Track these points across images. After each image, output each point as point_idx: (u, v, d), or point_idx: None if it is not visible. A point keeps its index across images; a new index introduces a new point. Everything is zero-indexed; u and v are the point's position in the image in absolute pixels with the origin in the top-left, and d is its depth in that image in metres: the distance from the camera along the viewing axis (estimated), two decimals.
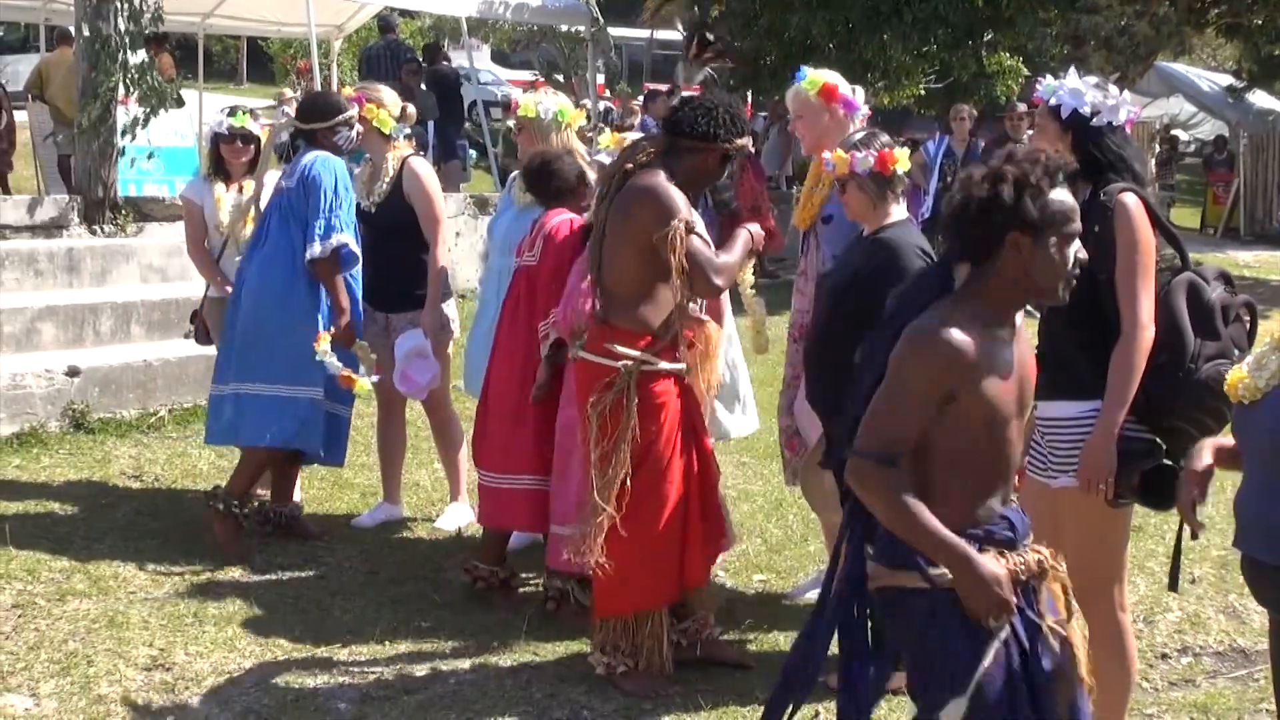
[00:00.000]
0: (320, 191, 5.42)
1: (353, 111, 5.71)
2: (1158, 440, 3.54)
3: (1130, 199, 3.51)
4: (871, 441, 2.75)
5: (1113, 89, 3.69)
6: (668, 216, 4.20)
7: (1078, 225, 2.78)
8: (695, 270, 4.25)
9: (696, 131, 4.31)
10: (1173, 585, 3.67)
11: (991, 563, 2.73)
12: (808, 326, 4.62)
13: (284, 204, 5.55)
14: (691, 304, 4.48)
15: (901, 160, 4.26)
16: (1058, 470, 3.63)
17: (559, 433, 4.80)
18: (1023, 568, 2.80)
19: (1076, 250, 2.78)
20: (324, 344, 5.44)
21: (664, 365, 4.32)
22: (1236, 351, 3.50)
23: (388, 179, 5.84)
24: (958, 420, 2.74)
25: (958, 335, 2.70)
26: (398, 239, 5.83)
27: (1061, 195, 2.75)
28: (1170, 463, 3.49)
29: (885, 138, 4.40)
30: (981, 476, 2.81)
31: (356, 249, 5.54)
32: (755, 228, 4.60)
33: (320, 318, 5.53)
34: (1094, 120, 3.60)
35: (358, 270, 5.65)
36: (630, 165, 4.33)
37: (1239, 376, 3.04)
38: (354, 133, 5.72)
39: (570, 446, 4.70)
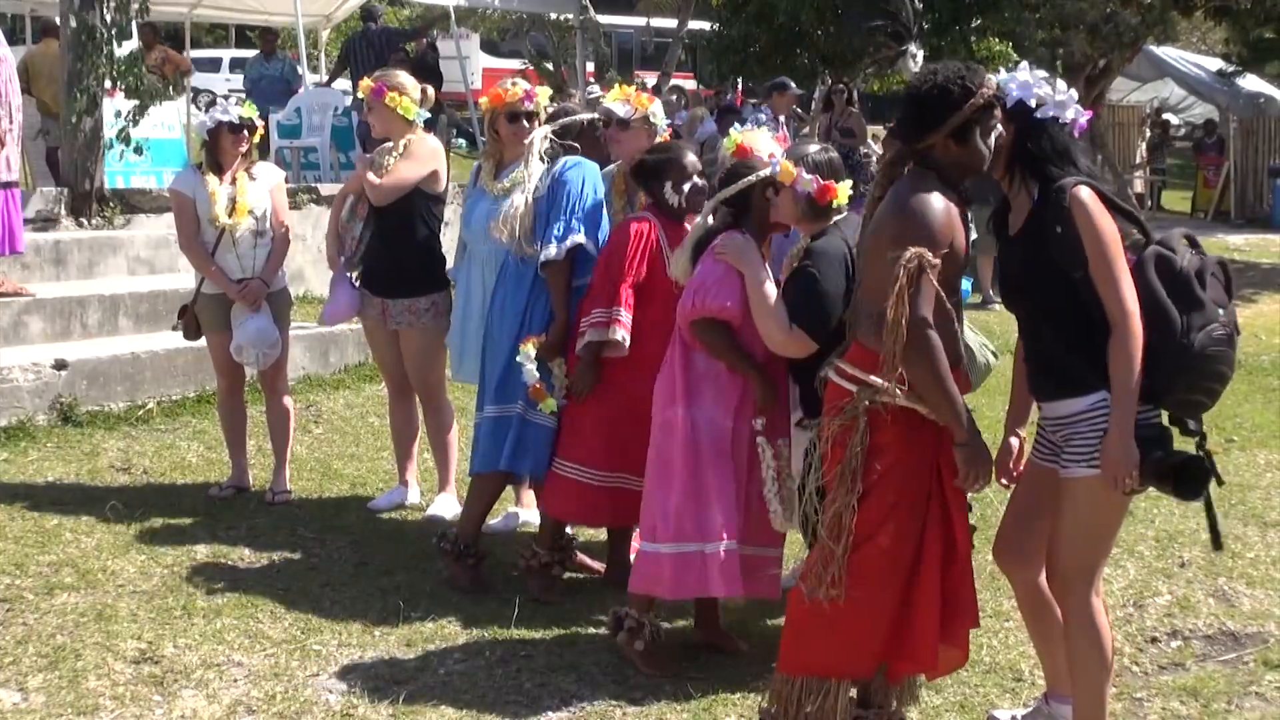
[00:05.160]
0: (566, 193, 5.04)
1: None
2: (1165, 425, 3.53)
3: (1084, 192, 3.49)
4: None
5: (1061, 85, 3.66)
6: (905, 239, 3.50)
7: None
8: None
9: (941, 107, 3.48)
10: (1216, 544, 3.78)
11: None
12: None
13: (538, 213, 5.13)
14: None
15: (841, 195, 4.22)
16: (1071, 461, 3.60)
17: (658, 433, 4.44)
18: None
19: None
20: (529, 348, 4.98)
21: (902, 401, 3.57)
22: (1221, 311, 3.49)
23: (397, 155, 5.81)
24: None
25: None
26: (404, 225, 5.83)
27: None
28: (1199, 454, 3.49)
29: (840, 168, 4.30)
30: None
31: (594, 249, 5.01)
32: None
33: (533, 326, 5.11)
34: (1038, 112, 3.58)
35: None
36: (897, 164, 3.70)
37: None
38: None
39: (671, 454, 4.37)
